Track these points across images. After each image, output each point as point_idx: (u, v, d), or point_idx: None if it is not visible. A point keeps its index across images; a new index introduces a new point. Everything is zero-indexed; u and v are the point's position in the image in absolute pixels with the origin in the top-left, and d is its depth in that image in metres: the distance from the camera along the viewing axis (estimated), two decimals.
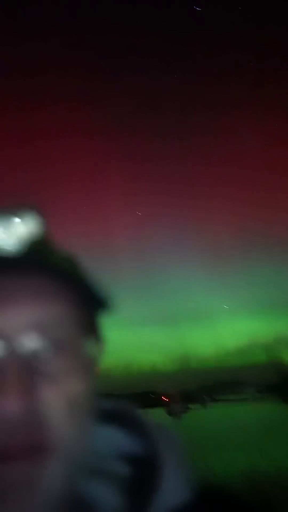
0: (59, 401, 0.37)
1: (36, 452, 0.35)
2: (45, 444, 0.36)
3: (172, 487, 0.43)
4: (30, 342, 0.38)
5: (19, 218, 0.40)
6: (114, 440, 0.46)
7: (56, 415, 0.37)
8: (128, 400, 0.49)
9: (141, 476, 0.43)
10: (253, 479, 6.58)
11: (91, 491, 0.42)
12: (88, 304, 0.42)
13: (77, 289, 0.40)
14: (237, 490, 0.48)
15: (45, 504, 0.35)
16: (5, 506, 0.34)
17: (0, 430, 0.34)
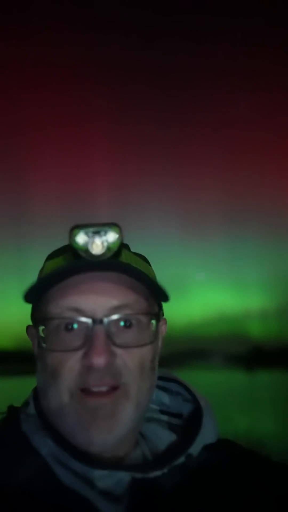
0: (130, 360, 0.55)
1: (114, 392, 0.54)
2: (120, 388, 0.54)
3: (207, 431, 0.61)
4: (111, 318, 0.55)
5: (108, 230, 0.55)
6: (158, 397, 0.66)
7: (128, 369, 0.55)
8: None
9: (184, 423, 0.63)
10: None
11: (148, 429, 0.62)
12: (152, 293, 0.59)
13: (144, 282, 0.58)
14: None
15: (120, 429, 0.54)
16: (91, 428, 0.53)
17: (90, 375, 0.53)
